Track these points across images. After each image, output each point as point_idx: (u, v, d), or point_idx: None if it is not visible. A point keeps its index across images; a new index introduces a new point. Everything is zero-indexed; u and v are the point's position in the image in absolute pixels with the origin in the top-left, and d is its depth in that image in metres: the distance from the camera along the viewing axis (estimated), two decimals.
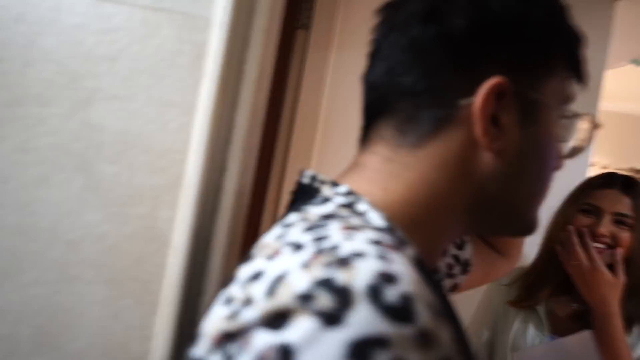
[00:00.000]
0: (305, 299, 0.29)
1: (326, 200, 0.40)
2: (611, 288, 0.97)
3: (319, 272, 0.30)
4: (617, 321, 0.94)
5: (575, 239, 1.00)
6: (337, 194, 0.41)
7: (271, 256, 0.34)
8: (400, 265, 0.31)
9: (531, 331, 1.04)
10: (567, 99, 0.44)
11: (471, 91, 0.40)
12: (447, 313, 0.33)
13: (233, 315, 0.30)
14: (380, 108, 0.44)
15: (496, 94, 0.39)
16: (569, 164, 1.64)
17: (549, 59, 0.42)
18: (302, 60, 1.53)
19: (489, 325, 1.12)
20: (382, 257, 0.31)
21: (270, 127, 1.45)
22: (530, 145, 0.42)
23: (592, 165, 3.74)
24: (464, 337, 0.40)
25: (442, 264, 0.65)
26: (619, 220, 1.01)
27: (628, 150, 4.11)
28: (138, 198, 0.48)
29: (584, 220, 1.03)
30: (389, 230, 0.36)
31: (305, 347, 0.27)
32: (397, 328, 0.28)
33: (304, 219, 0.38)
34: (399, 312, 0.28)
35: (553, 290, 1.06)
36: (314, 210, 0.39)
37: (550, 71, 0.42)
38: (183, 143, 0.49)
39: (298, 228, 0.36)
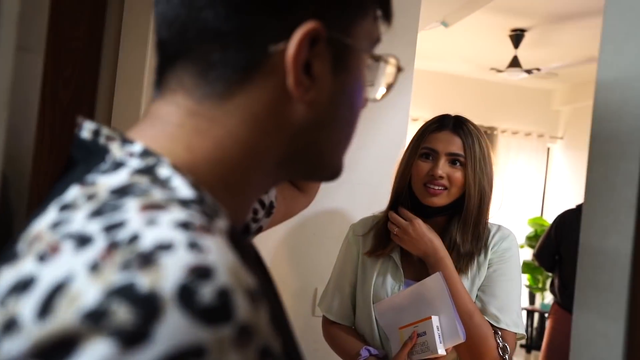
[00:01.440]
0: (97, 316, 0.23)
1: (118, 165, 0.33)
2: (432, 235, 1.05)
3: (113, 276, 0.24)
4: (449, 261, 1.03)
5: (390, 213, 1.08)
6: (132, 154, 0.34)
7: (45, 255, 0.26)
8: (215, 252, 0.27)
9: (389, 280, 1.08)
10: (376, 40, 0.43)
11: (283, 36, 0.36)
12: (262, 285, 0.31)
13: None
14: (179, 48, 0.37)
15: (310, 41, 0.36)
16: (391, 120, 1.78)
17: (361, 1, 0.40)
18: (120, 10, 1.36)
19: (350, 278, 1.14)
20: (193, 246, 0.26)
21: (83, 89, 1.28)
22: (341, 93, 0.40)
23: (415, 120, 4.18)
24: (278, 306, 0.38)
25: None
26: (453, 160, 1.06)
27: (445, 105, 4.68)
28: None
29: (424, 165, 1.07)
30: (198, 201, 0.31)
31: None
32: (214, 332, 0.24)
33: (90, 196, 0.30)
34: (216, 312, 0.25)
35: None
36: (103, 181, 0.31)
37: (363, 12, 0.40)
38: None
39: (82, 211, 0.29)
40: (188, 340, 0.24)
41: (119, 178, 0.32)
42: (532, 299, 4.71)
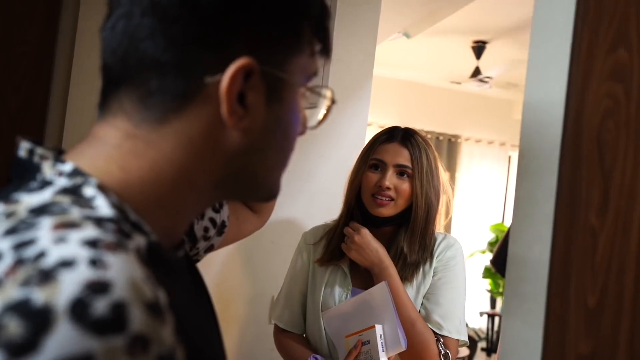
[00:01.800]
0: None
1: (45, 184, 0.35)
2: (377, 244, 1.06)
3: (12, 292, 0.26)
4: (393, 270, 1.05)
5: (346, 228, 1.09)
6: (61, 174, 0.36)
7: None
8: (116, 268, 0.29)
9: (337, 289, 1.09)
10: (313, 74, 0.46)
11: (218, 68, 0.38)
12: (182, 298, 0.34)
13: None
14: (121, 74, 0.39)
15: (244, 74, 0.39)
16: (349, 128, 1.79)
17: (295, 36, 0.42)
18: (75, 13, 1.34)
19: (301, 287, 1.15)
20: (94, 263, 0.28)
21: (34, 95, 1.26)
22: (275, 122, 0.42)
23: (370, 124, 4.24)
24: (194, 321, 0.40)
25: (198, 227, 0.66)
26: (400, 171, 1.08)
27: (410, 113, 4.77)
28: None
29: (372, 176, 1.09)
30: (115, 220, 0.34)
31: None
32: (105, 341, 0.26)
33: (9, 214, 0.32)
34: (108, 323, 0.27)
35: None
36: (26, 199, 0.33)
37: (297, 48, 0.42)
38: None
39: None
40: (77, 349, 0.26)
41: (42, 197, 0.34)
42: (493, 303, 4.83)
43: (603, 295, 0.51)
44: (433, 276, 1.09)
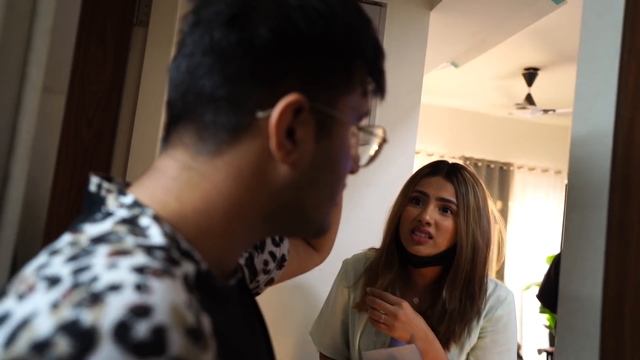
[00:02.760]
0: (41, 347, 0.27)
1: (108, 215, 0.38)
2: (418, 319, 0.97)
3: (65, 313, 0.28)
4: (437, 344, 0.96)
5: (370, 299, 0.99)
6: (122, 205, 0.39)
7: (23, 294, 0.30)
8: (159, 294, 0.30)
9: (375, 335, 1.03)
10: (364, 113, 0.46)
11: (269, 103, 0.40)
12: (222, 329, 0.35)
13: None
14: (182, 109, 0.42)
15: (293, 110, 0.40)
16: (398, 157, 1.80)
17: (347, 75, 0.43)
18: (141, 58, 1.46)
19: (342, 318, 1.11)
20: (139, 288, 0.30)
21: (106, 125, 1.37)
22: (324, 158, 0.43)
23: (418, 152, 4.21)
24: (242, 349, 0.41)
25: (258, 260, 0.68)
26: (443, 206, 1.01)
27: (460, 141, 4.71)
28: None
29: (412, 210, 1.02)
30: (165, 248, 0.35)
31: None
32: None
33: (74, 243, 0.35)
34: (149, 346, 0.28)
35: (394, 286, 1.05)
36: (89, 229, 0.36)
37: (349, 87, 0.43)
38: None
39: (61, 256, 0.33)
40: None
41: (103, 227, 0.36)
42: (552, 340, 4.57)
43: None
44: (481, 336, 1.01)
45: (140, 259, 0.33)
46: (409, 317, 0.97)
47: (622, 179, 0.56)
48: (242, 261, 0.66)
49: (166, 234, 0.37)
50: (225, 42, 0.40)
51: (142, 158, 1.42)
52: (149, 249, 0.34)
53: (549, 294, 2.62)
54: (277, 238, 0.71)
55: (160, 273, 0.32)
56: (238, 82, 0.40)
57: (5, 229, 0.45)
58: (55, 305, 0.29)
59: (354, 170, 0.48)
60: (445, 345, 0.99)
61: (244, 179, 0.41)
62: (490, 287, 1.04)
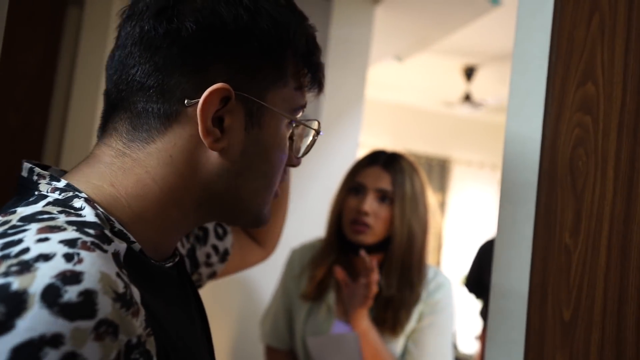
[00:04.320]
0: None
1: (40, 197, 0.39)
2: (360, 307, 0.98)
3: None
4: (372, 334, 0.98)
5: (368, 266, 0.98)
6: (56, 189, 0.40)
7: None
8: (88, 263, 0.32)
9: (321, 317, 1.05)
10: (300, 106, 0.48)
11: (197, 92, 0.42)
12: (151, 306, 0.37)
13: None
14: (116, 98, 0.44)
15: (221, 98, 0.42)
16: (340, 149, 1.82)
17: (277, 69, 0.45)
18: (76, 38, 1.38)
19: (286, 305, 1.13)
20: (69, 257, 0.32)
21: (34, 115, 1.29)
22: (254, 147, 0.45)
23: (361, 146, 4.30)
24: (176, 327, 0.42)
25: (200, 252, 0.68)
26: (381, 196, 1.03)
27: (397, 134, 4.84)
28: None
29: (352, 201, 1.04)
30: (98, 226, 0.37)
31: None
32: (74, 324, 0.29)
33: (4, 222, 0.36)
34: (78, 310, 0.30)
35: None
36: (21, 210, 0.37)
37: (280, 80, 0.45)
38: None
39: None
40: (48, 329, 0.29)
41: (35, 208, 0.38)
42: None
43: (576, 309, 0.55)
44: (420, 319, 1.04)
45: (72, 234, 0.35)
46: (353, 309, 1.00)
47: (549, 171, 0.60)
48: (183, 251, 0.66)
49: (98, 215, 0.39)
50: (153, 32, 0.42)
51: (78, 146, 1.36)
52: (81, 225, 0.36)
53: (474, 282, 2.79)
54: (220, 232, 0.71)
55: (90, 246, 0.34)
56: (166, 72, 0.42)
57: None
58: None
59: (294, 163, 0.50)
60: (391, 332, 1.02)
61: (175, 165, 0.43)
62: (430, 273, 1.07)
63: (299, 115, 0.49)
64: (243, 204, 0.47)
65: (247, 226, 0.59)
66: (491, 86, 4.04)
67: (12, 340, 0.28)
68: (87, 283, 0.31)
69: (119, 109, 0.44)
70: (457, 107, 4.19)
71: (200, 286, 0.71)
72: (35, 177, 0.42)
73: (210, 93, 0.42)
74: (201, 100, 0.42)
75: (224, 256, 0.71)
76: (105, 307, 0.31)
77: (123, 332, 0.32)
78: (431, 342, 1.03)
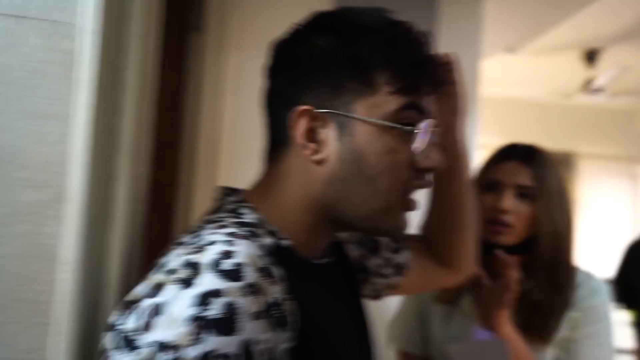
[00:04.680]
0: (170, 272, 0.44)
1: (220, 207, 0.54)
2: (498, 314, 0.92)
3: (184, 258, 0.45)
4: (516, 340, 0.91)
5: (510, 269, 0.91)
6: (232, 202, 0.55)
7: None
8: (240, 247, 0.45)
9: (458, 322, 1.00)
10: (396, 108, 0.51)
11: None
12: (292, 282, 0.47)
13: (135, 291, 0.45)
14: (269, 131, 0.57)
15: (308, 117, 0.51)
16: None
17: (361, 81, 0.50)
18: (199, 63, 1.50)
19: (416, 318, 1.07)
20: (228, 242, 0.45)
21: (170, 131, 1.41)
22: (350, 154, 0.51)
23: (483, 147, 4.07)
24: (323, 314, 0.52)
25: (371, 263, 0.70)
26: (521, 193, 0.94)
27: (515, 131, 4.53)
28: (17, 215, 0.46)
29: (487, 199, 0.96)
30: (252, 225, 0.51)
31: (170, 303, 0.41)
32: (229, 283, 0.41)
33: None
34: (231, 273, 0.42)
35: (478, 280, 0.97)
36: (207, 217, 0.53)
37: (366, 91, 0.50)
38: (62, 155, 0.47)
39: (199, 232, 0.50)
40: (213, 286, 0.41)
41: (215, 215, 0.53)
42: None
43: None
44: (573, 328, 0.94)
45: (231, 229, 0.48)
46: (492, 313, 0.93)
47: None
48: (355, 257, 0.69)
49: (257, 218, 0.52)
50: (269, 87, 0.57)
51: (208, 159, 1.46)
52: (239, 224, 0.50)
53: (625, 288, 2.38)
54: (393, 246, 0.72)
55: (243, 237, 0.47)
56: (271, 108, 0.56)
57: (114, 224, 0.49)
58: (180, 255, 0.46)
59: (424, 166, 0.52)
60: (539, 339, 0.94)
61: (296, 179, 0.53)
62: (580, 276, 0.97)
63: (422, 116, 0.52)
64: (358, 209, 0.52)
65: (378, 234, 0.66)
66: (617, 69, 3.62)
67: (192, 291, 0.41)
68: (238, 258, 0.43)
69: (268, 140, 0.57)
70: (579, 96, 3.81)
71: (378, 297, 0.72)
72: (223, 194, 0.57)
73: (295, 115, 0.51)
74: (289, 123, 0.52)
75: (399, 270, 0.72)
76: (250, 274, 0.42)
77: (262, 294, 0.42)
78: (589, 355, 0.93)
